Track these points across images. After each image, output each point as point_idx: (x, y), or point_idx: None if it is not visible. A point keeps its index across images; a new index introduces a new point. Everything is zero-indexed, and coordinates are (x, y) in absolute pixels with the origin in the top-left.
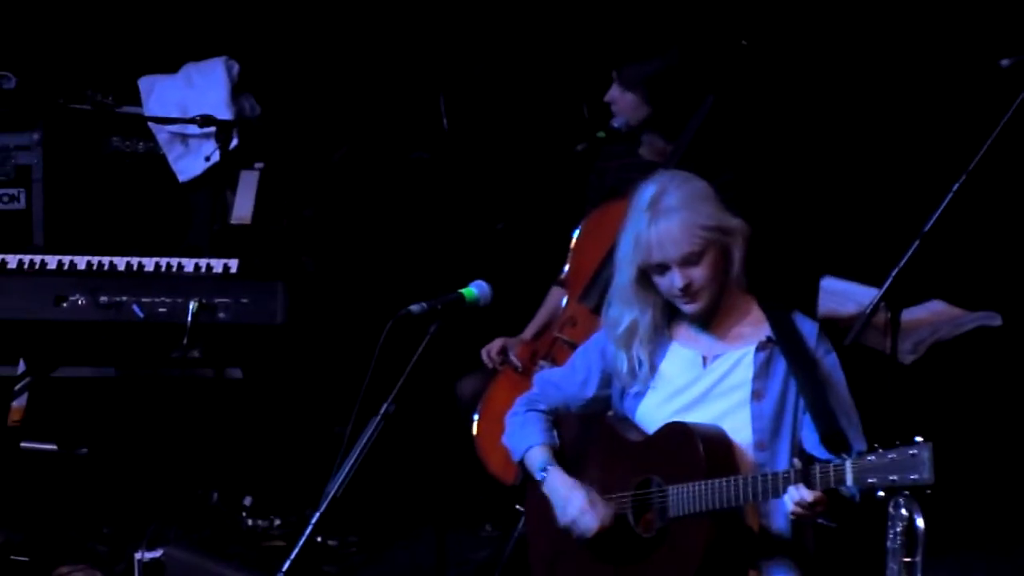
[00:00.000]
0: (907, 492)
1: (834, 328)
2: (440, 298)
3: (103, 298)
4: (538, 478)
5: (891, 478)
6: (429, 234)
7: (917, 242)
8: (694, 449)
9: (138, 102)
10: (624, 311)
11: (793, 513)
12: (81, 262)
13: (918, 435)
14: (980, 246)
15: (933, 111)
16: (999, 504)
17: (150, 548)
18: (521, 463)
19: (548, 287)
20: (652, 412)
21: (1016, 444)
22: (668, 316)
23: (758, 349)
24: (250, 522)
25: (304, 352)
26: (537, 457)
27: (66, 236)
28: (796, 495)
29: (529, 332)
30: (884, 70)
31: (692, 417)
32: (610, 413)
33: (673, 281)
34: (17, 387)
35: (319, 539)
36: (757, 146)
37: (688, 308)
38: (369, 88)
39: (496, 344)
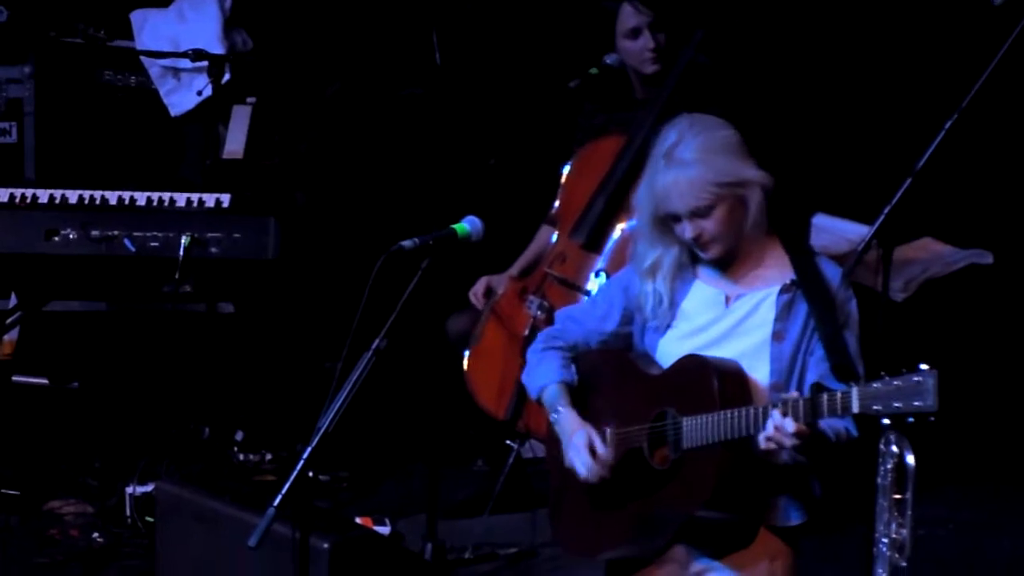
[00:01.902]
0: (910, 419)
1: None
2: (432, 233)
3: (95, 232)
4: (551, 418)
5: (895, 404)
6: (421, 169)
7: (909, 180)
8: (708, 381)
9: (130, 36)
10: (648, 248)
11: (767, 439)
12: (73, 196)
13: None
14: (972, 184)
15: (925, 48)
16: (989, 441)
17: (141, 483)
18: (538, 401)
19: (539, 223)
20: (672, 348)
21: (1007, 381)
22: (692, 254)
23: (781, 291)
24: (241, 457)
25: (296, 287)
26: (552, 396)
27: (58, 170)
28: (779, 422)
29: (516, 268)
30: (878, 6)
31: (712, 354)
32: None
33: (684, 231)
34: (8, 321)
35: (310, 474)
36: (747, 82)
37: (703, 254)
38: (362, 23)
39: (481, 284)
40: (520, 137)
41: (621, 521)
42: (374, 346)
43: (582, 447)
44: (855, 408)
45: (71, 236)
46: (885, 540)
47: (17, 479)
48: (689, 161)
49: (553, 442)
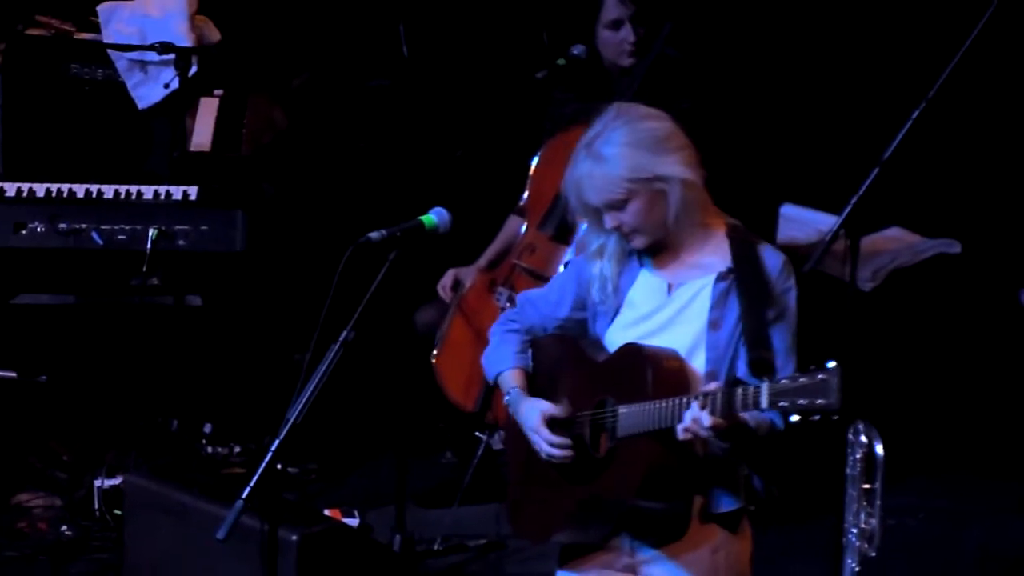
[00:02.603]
0: (816, 417)
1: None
2: (399, 225)
3: (62, 225)
4: (504, 400)
5: (800, 402)
6: (389, 161)
7: (877, 169)
8: (643, 370)
9: (97, 29)
10: (593, 234)
11: (684, 430)
12: (40, 189)
13: (874, 361)
14: (939, 173)
15: (893, 39)
16: (958, 430)
17: (109, 475)
18: (495, 383)
19: (507, 214)
20: (619, 336)
21: (974, 370)
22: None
23: (718, 279)
24: (210, 449)
25: (263, 279)
26: (506, 380)
27: (25, 163)
28: (696, 414)
29: (484, 260)
30: None
31: (653, 342)
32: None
33: (605, 221)
34: None
35: (279, 466)
36: (715, 74)
37: (630, 244)
38: (329, 15)
39: (449, 276)
40: (488, 128)
41: (566, 506)
42: (342, 338)
43: (538, 424)
44: (764, 404)
45: (39, 229)
46: (854, 530)
47: None
48: (604, 155)
49: (511, 425)
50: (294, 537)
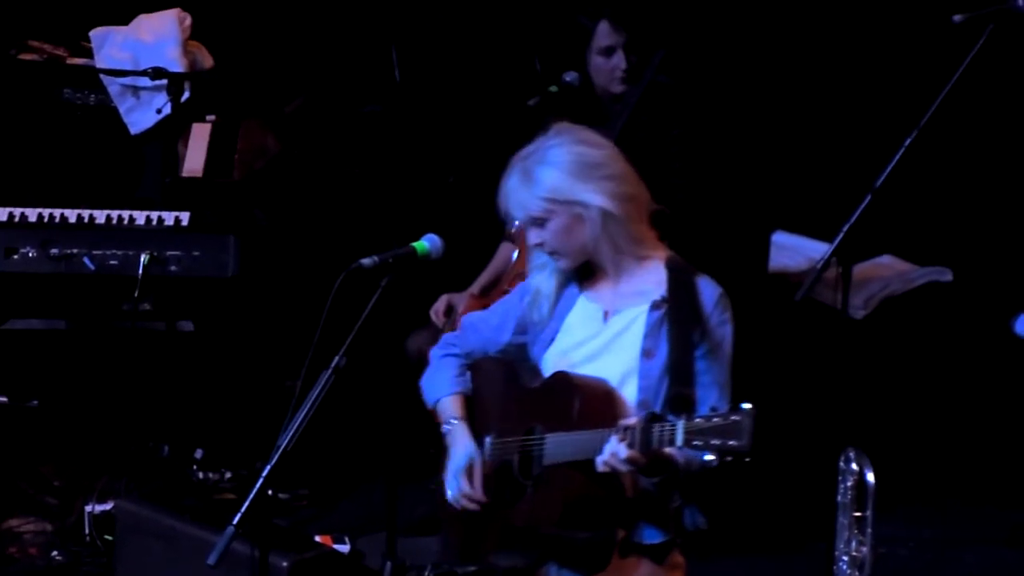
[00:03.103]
0: (728, 459)
1: (785, 283)
2: (391, 251)
3: (54, 250)
4: (442, 429)
5: (714, 442)
6: (381, 187)
7: (868, 197)
8: (570, 399)
9: (89, 54)
10: (537, 250)
11: (603, 463)
12: (32, 214)
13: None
14: (931, 202)
15: (885, 66)
16: (949, 459)
17: (100, 501)
18: (434, 410)
19: (499, 241)
20: (554, 362)
21: (966, 398)
22: (579, 268)
23: (652, 307)
24: (201, 475)
25: (255, 305)
26: (446, 408)
27: (17, 188)
28: (614, 448)
29: (476, 286)
30: (837, 25)
31: (589, 370)
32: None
33: (529, 237)
34: None
35: (270, 492)
36: (708, 101)
37: (556, 264)
38: (321, 41)
39: (442, 302)
40: (480, 154)
41: (496, 532)
42: (333, 364)
43: (461, 471)
44: (679, 442)
45: (30, 254)
46: (845, 558)
47: None
48: (531, 171)
49: (447, 451)
50: (285, 563)
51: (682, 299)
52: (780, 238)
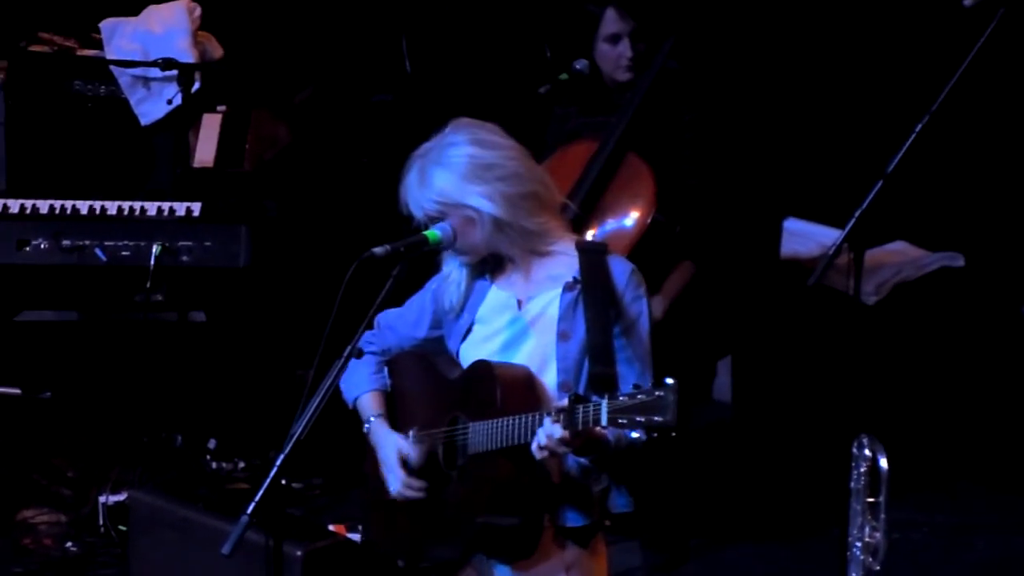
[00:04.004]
0: (654, 435)
1: (797, 269)
2: (403, 240)
3: (66, 242)
4: (364, 428)
5: (638, 419)
6: (392, 176)
7: (880, 183)
8: (492, 386)
9: (99, 45)
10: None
11: (539, 447)
12: (44, 206)
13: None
14: (943, 187)
15: (897, 51)
16: (962, 444)
17: (114, 491)
18: (353, 408)
19: None
20: (472, 352)
21: (979, 383)
22: (489, 260)
23: (565, 289)
24: (214, 465)
25: (267, 295)
26: (365, 406)
27: (29, 180)
28: (548, 430)
29: None
30: (849, 9)
31: (508, 358)
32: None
33: None
34: None
35: (283, 481)
36: (718, 87)
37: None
38: (332, 30)
39: None
40: None
41: (425, 524)
42: (346, 353)
43: (393, 463)
44: (604, 421)
45: (42, 246)
46: (859, 544)
47: None
48: (425, 171)
49: (371, 450)
50: (299, 552)
51: (595, 279)
52: (792, 224)
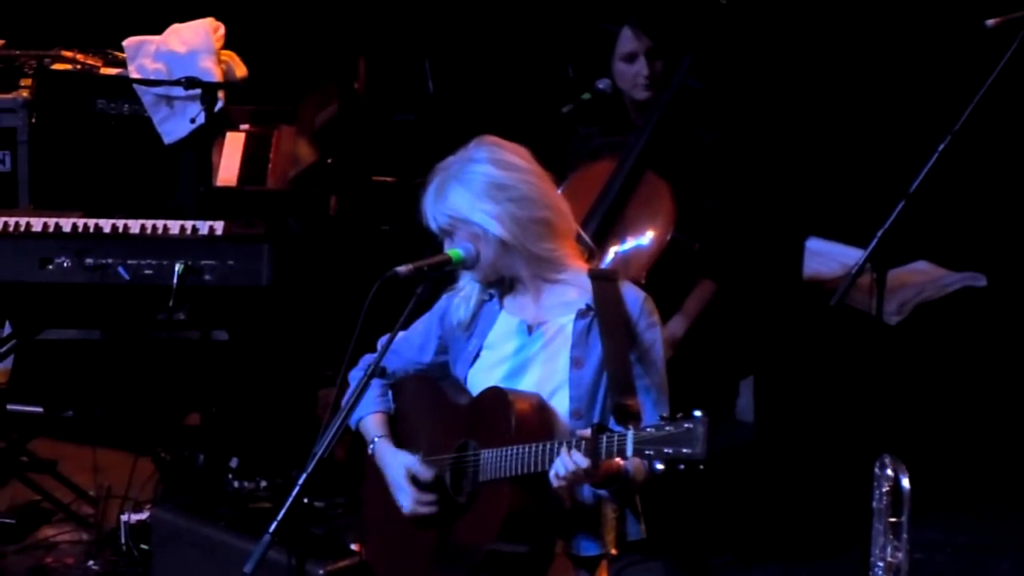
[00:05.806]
0: (681, 467)
1: (819, 289)
2: (427, 259)
3: (89, 260)
4: (368, 450)
5: (667, 451)
6: (414, 196)
7: (903, 203)
8: (505, 414)
9: (123, 64)
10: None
11: (556, 476)
12: (67, 224)
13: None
14: (965, 207)
15: (919, 72)
16: (986, 463)
17: (136, 510)
18: (357, 430)
19: None
20: (481, 378)
21: (1002, 403)
22: (500, 284)
23: (578, 317)
24: (236, 484)
25: (290, 314)
26: (369, 428)
27: (52, 198)
28: (572, 459)
29: None
30: (870, 29)
31: (517, 384)
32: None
33: (445, 244)
34: (3, 349)
35: (306, 500)
36: (739, 106)
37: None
38: (354, 50)
39: None
40: None
41: (428, 551)
42: (369, 372)
43: (403, 481)
44: (629, 452)
45: (65, 264)
46: (881, 564)
47: (12, 508)
48: (443, 185)
49: (371, 469)
50: (321, 571)
51: (608, 307)
52: (814, 244)
